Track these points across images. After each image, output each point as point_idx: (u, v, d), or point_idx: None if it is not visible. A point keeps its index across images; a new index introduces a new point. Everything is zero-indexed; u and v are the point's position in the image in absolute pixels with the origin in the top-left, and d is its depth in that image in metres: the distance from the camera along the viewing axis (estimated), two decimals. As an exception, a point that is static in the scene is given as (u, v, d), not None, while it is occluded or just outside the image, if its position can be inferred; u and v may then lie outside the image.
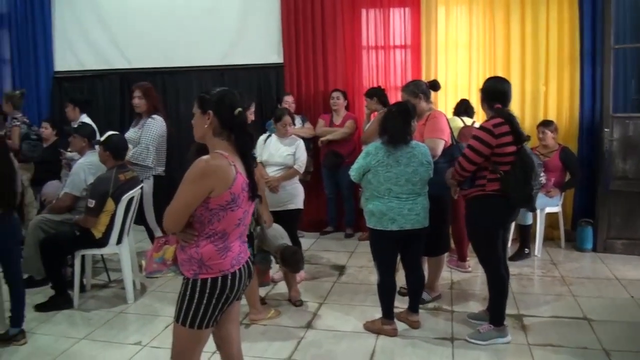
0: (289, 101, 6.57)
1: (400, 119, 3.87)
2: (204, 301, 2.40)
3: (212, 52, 7.15)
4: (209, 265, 2.40)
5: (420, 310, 4.20)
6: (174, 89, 7.37)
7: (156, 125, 5.35)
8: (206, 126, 2.45)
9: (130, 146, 5.15)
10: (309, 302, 4.68)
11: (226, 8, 7.14)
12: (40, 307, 4.61)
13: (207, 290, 2.39)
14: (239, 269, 2.48)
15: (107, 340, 4.09)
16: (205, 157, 2.39)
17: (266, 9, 7.05)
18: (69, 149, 5.55)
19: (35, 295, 4.77)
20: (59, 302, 4.64)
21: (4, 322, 4.12)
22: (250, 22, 7.10)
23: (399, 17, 6.82)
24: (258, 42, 7.12)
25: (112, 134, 4.78)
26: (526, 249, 5.81)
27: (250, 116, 4.49)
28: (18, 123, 6.13)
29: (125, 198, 4.59)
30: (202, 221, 2.39)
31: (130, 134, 5.37)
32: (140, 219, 5.38)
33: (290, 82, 7.02)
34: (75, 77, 7.63)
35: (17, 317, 4.06)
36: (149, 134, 5.30)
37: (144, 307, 4.72)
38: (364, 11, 6.87)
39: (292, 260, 4.12)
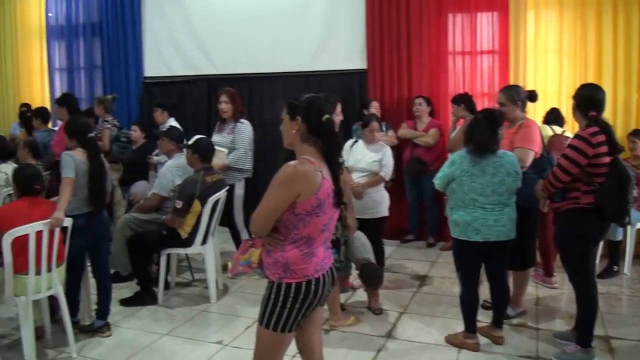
0: (375, 107, 6.53)
1: (487, 127, 3.76)
2: (288, 305, 2.40)
3: (297, 57, 7.21)
4: (294, 270, 2.40)
5: (504, 326, 4.06)
6: (259, 95, 7.48)
7: (247, 129, 5.47)
8: (294, 132, 2.46)
9: (225, 150, 5.27)
10: (388, 311, 4.62)
11: (312, 14, 7.19)
12: (125, 302, 4.79)
13: (291, 295, 2.40)
14: (323, 275, 2.47)
15: (190, 337, 4.19)
16: (292, 162, 2.41)
17: (351, 15, 7.04)
18: (155, 152, 5.75)
19: (121, 290, 4.96)
20: (144, 297, 4.81)
21: (90, 315, 4.33)
22: (335, 28, 7.11)
23: (486, 22, 6.65)
24: (343, 48, 7.11)
25: (200, 138, 4.90)
26: (615, 267, 5.50)
27: (338, 117, 4.47)
28: (109, 126, 6.39)
29: (212, 200, 4.69)
30: (288, 226, 2.40)
31: (218, 138, 5.48)
32: (226, 221, 5.49)
33: (374, 88, 6.97)
34: (163, 83, 7.89)
35: (102, 310, 4.26)
36: (243, 138, 5.40)
37: (226, 307, 4.80)
38: (450, 16, 6.74)
39: (371, 277, 4.07)
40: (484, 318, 4.18)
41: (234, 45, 7.39)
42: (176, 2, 7.71)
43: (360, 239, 4.22)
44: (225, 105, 5.47)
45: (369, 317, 4.51)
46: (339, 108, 4.62)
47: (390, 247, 6.46)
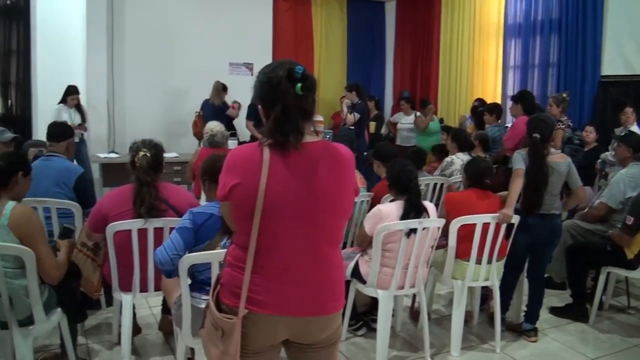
0: None
1: None
2: None
3: None
4: None
5: None
6: None
7: None
8: None
9: None
10: None
11: None
12: (555, 311, 4.58)
13: None
14: None
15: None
16: None
17: None
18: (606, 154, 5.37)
19: (551, 297, 4.75)
20: (575, 312, 4.50)
21: (518, 314, 4.29)
22: None
23: None
24: None
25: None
26: None
27: None
28: (563, 126, 6.17)
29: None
30: None
31: None
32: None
33: None
34: (621, 82, 7.23)
35: (532, 314, 4.14)
36: None
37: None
38: None
39: None
40: None
41: None
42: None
43: None
44: None
45: None
46: None
47: None
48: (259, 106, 1.91)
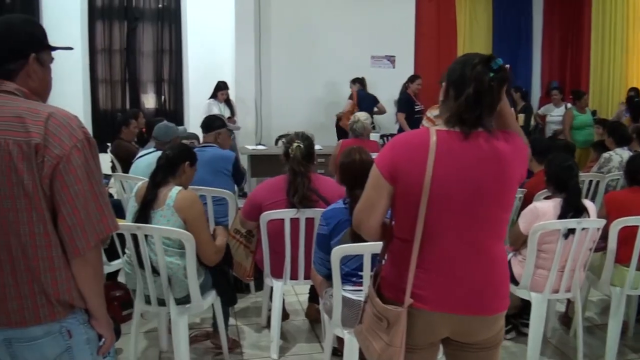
0: None
1: None
2: None
3: None
4: None
5: None
6: None
7: None
8: None
9: None
10: None
11: None
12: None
13: None
14: None
15: None
16: None
17: None
18: None
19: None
20: None
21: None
22: None
23: None
24: None
25: None
26: None
27: None
28: None
29: None
30: None
31: None
32: None
33: None
34: None
35: None
36: None
37: None
38: None
39: None
40: None
41: None
42: None
43: None
44: None
45: None
46: None
47: None
48: (444, 83, 1.86)
